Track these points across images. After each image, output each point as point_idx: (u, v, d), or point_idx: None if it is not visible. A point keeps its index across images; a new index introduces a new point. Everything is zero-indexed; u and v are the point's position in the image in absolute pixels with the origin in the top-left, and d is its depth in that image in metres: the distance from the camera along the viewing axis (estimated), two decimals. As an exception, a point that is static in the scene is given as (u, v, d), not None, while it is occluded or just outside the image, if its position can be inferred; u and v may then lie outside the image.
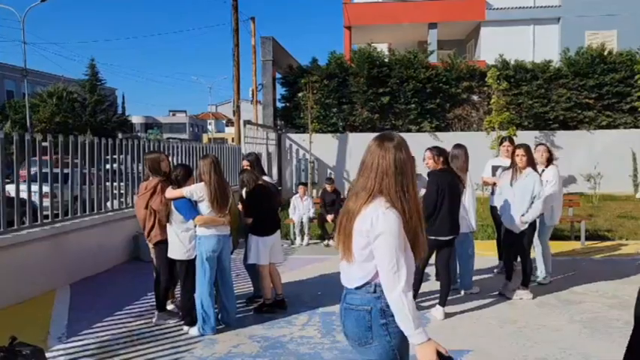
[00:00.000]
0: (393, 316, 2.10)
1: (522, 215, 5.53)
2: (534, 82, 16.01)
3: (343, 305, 2.26)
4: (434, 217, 5.04)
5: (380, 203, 2.12)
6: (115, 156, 7.73)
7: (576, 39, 19.05)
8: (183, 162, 9.38)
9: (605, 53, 16.02)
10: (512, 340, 4.55)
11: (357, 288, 2.19)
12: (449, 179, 5.15)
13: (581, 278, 6.45)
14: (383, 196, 2.13)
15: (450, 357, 2.09)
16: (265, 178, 5.83)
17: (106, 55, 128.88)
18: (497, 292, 5.90)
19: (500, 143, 7.04)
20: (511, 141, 6.80)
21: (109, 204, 7.76)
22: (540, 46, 20.66)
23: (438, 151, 5.33)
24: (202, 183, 4.72)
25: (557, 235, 8.72)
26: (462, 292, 5.90)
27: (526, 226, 5.63)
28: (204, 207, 4.70)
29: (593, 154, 15.14)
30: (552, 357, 4.18)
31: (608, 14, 20.10)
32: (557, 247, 7.78)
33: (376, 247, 2.08)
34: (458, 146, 5.92)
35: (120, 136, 31.01)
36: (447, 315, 5.19)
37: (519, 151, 5.65)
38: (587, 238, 8.65)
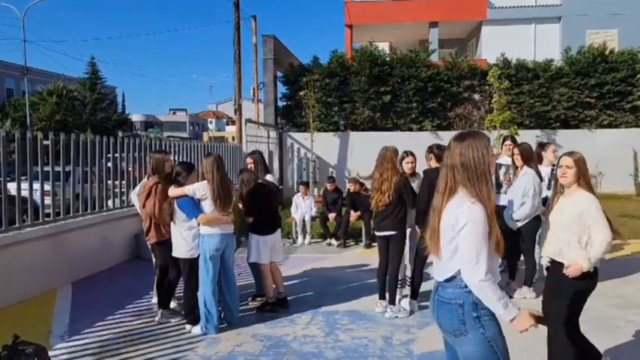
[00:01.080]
0: (485, 308, 2.22)
1: (513, 213, 5.60)
2: (536, 81, 15.97)
3: (435, 297, 2.38)
4: (423, 215, 5.06)
5: (463, 198, 2.23)
6: (116, 154, 7.72)
7: (577, 38, 19.02)
8: (184, 160, 9.37)
9: (607, 52, 15.97)
10: (516, 339, 4.52)
11: (446, 281, 2.30)
12: None
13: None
14: (464, 191, 2.25)
15: (542, 316, 2.28)
16: (269, 176, 5.82)
17: (106, 53, 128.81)
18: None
19: (503, 142, 7.03)
20: (513, 140, 6.79)
21: (110, 202, 7.75)
22: (541, 45, 20.62)
23: (429, 149, 5.35)
24: (205, 181, 4.70)
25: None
26: None
27: (520, 224, 5.64)
28: (208, 205, 4.68)
29: (594, 154, 15.05)
30: (556, 356, 4.16)
31: (609, 13, 20.06)
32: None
33: (460, 238, 2.19)
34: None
35: (120, 134, 31.01)
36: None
37: (515, 150, 5.74)
38: (589, 238, 8.61)
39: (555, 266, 3.53)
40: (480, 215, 2.17)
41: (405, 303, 5.28)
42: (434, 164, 5.26)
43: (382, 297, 5.32)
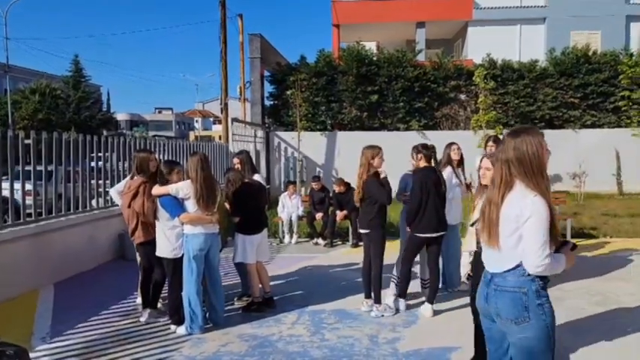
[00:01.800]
0: (546, 296, 2.39)
1: None
2: (521, 81, 16.13)
3: (491, 287, 2.46)
4: (420, 215, 5.07)
5: (524, 191, 2.34)
6: (100, 154, 7.63)
7: (562, 39, 19.26)
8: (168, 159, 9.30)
9: (590, 53, 16.19)
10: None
11: (507, 271, 2.40)
12: (433, 177, 5.17)
13: (568, 275, 6.50)
14: (522, 184, 2.35)
15: (567, 241, 2.51)
16: (256, 176, 5.79)
17: (91, 52, 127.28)
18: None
19: (486, 143, 7.06)
20: (496, 140, 6.82)
21: (93, 202, 7.66)
22: (527, 46, 20.85)
23: (416, 150, 5.37)
24: (189, 180, 4.67)
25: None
26: (449, 290, 5.92)
27: None
28: (191, 205, 4.65)
29: (578, 153, 15.29)
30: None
31: (592, 15, 20.34)
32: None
33: (525, 230, 2.30)
34: (453, 144, 6.06)
35: (105, 133, 30.66)
36: (436, 312, 5.20)
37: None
38: (572, 236, 8.73)
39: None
40: (543, 207, 2.28)
41: (390, 301, 5.29)
42: (423, 164, 5.28)
43: (368, 296, 5.33)
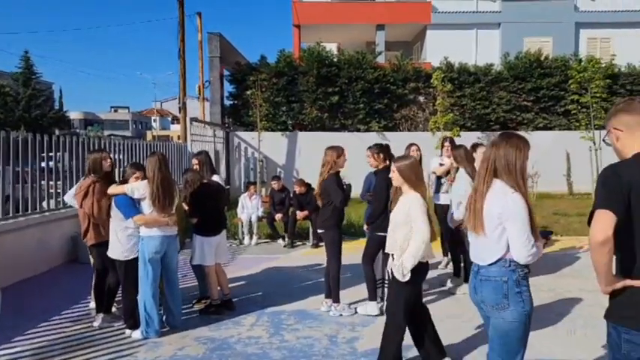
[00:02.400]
0: (526, 286, 2.68)
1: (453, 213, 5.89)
2: (477, 84, 16.56)
3: (478, 278, 2.75)
4: (383, 215, 5.12)
5: (504, 188, 2.63)
6: (51, 154, 7.36)
7: (515, 44, 19.86)
8: (125, 160, 9.08)
9: (542, 58, 16.78)
10: (456, 334, 4.66)
11: (491, 264, 2.68)
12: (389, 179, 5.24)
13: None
14: (503, 181, 2.64)
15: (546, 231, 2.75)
16: (215, 176, 5.72)
17: (42, 48, 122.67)
18: (442, 288, 6.06)
19: (442, 144, 7.20)
20: (452, 142, 6.97)
21: (44, 203, 7.38)
22: (482, 50, 21.39)
23: (377, 149, 5.43)
24: (145, 181, 4.57)
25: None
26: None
27: (457, 223, 5.84)
28: (147, 206, 4.54)
29: (531, 155, 15.74)
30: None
31: (544, 21, 21.09)
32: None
33: (509, 225, 2.59)
34: (412, 145, 6.11)
35: (57, 132, 29.59)
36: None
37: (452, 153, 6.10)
38: (525, 235, 9.02)
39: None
40: (523, 204, 2.59)
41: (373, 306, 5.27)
42: (374, 164, 5.38)
43: (328, 296, 5.35)
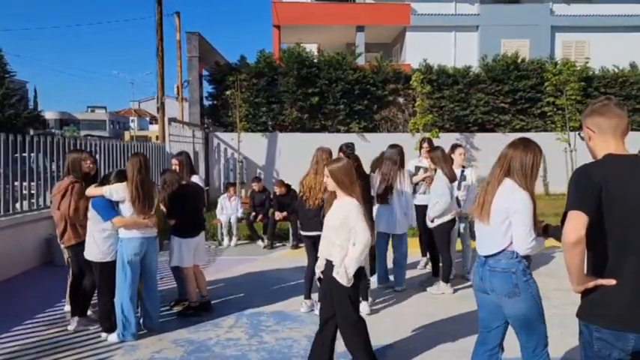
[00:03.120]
0: (530, 274, 2.96)
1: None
2: (455, 86, 16.72)
3: (486, 268, 3.00)
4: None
5: (513, 187, 2.90)
6: (24, 154, 7.20)
7: (493, 46, 20.15)
8: (103, 160, 8.94)
9: (519, 61, 17.04)
10: (433, 333, 4.71)
11: (496, 254, 2.94)
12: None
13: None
14: (514, 180, 2.91)
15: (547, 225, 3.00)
16: (195, 177, 5.68)
17: (16, 46, 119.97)
18: (421, 288, 6.11)
19: (421, 145, 7.27)
20: (430, 143, 7.04)
21: (17, 205, 7.22)
22: (461, 52, 21.64)
23: (349, 149, 5.54)
24: (124, 183, 4.50)
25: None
26: (399, 289, 6.03)
27: (435, 223, 5.91)
28: (126, 208, 4.48)
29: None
30: (470, 348, 4.35)
31: (521, 24, 21.44)
32: (475, 244, 8.16)
33: (515, 219, 2.86)
34: (393, 146, 6.12)
35: (31, 132, 28.98)
36: (373, 311, 5.30)
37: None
38: (502, 235, 9.15)
39: (329, 265, 3.64)
40: (529, 201, 2.86)
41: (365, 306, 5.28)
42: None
43: (308, 297, 5.35)
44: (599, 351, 2.22)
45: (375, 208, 5.98)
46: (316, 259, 5.29)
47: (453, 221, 6.02)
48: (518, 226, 2.84)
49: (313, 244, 5.27)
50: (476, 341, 3.31)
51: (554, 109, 15.48)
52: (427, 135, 14.00)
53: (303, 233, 5.41)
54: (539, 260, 7.52)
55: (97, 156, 8.85)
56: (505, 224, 2.91)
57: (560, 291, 5.90)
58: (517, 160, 2.94)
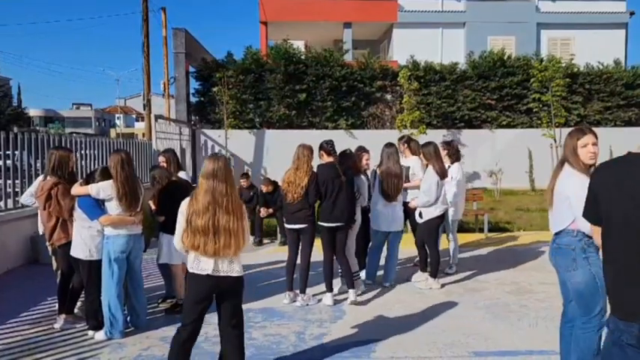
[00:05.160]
0: (592, 252, 3.18)
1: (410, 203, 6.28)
2: (442, 82, 16.81)
3: (553, 246, 3.40)
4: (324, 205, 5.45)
5: (569, 171, 3.27)
6: (8, 152, 7.09)
7: (480, 43, 20.26)
8: (89, 158, 8.85)
9: (505, 58, 17.16)
10: (422, 328, 4.73)
11: (560, 232, 3.31)
12: (332, 172, 5.42)
13: (485, 267, 6.87)
14: (568, 165, 3.30)
15: None
16: (182, 173, 5.64)
17: (1, 42, 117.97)
18: (409, 284, 6.13)
19: (400, 141, 7.08)
20: (407, 141, 6.94)
21: (1, 203, 7.11)
22: (448, 49, 21.71)
23: (330, 147, 5.57)
24: (110, 180, 4.45)
25: (464, 228, 9.24)
26: (387, 285, 6.06)
27: (424, 218, 5.95)
28: (113, 206, 4.43)
29: (495, 152, 16.19)
30: (458, 342, 4.41)
31: (507, 21, 21.58)
32: (463, 238, 8.24)
33: (573, 200, 3.13)
34: (389, 145, 6.13)
35: (15, 129, 28.58)
36: (360, 304, 5.33)
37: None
38: (489, 230, 9.24)
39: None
40: (584, 182, 2.85)
41: (352, 294, 5.43)
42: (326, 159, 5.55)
43: (290, 289, 5.48)
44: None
45: (381, 205, 5.97)
46: (297, 252, 5.45)
47: (442, 217, 6.04)
48: (577, 206, 2.92)
49: (297, 237, 5.47)
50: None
51: (540, 106, 15.62)
52: (414, 131, 14.07)
53: (287, 226, 5.57)
54: (526, 255, 7.59)
55: (83, 153, 8.76)
56: (565, 205, 3.23)
57: (546, 285, 5.97)
58: (565, 147, 3.36)
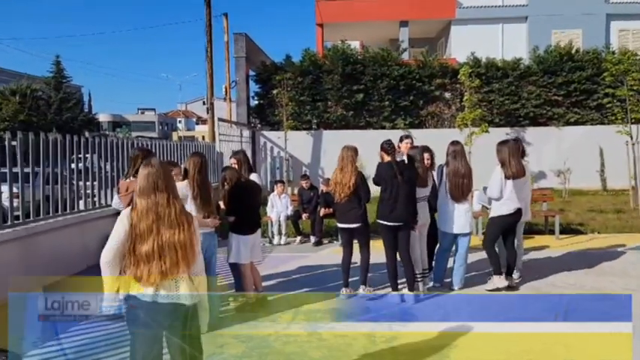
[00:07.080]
0: None
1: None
2: (505, 79, 16.28)
3: None
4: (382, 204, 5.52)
5: None
6: (87, 155, 7.49)
7: (543, 38, 19.47)
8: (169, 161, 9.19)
9: (573, 52, 16.40)
10: (494, 332, 4.59)
11: None
12: (390, 171, 5.40)
13: (559, 271, 6.57)
14: None
15: None
16: (253, 175, 5.74)
17: (71, 51, 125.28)
18: (477, 287, 5.98)
19: (401, 140, 6.70)
20: (410, 139, 6.60)
21: (82, 203, 7.51)
22: (509, 45, 21.01)
23: (392, 146, 5.59)
24: (186, 181, 4.60)
25: (533, 230, 8.89)
26: (455, 289, 5.91)
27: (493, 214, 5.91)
28: (187, 206, 4.57)
29: (562, 150, 15.50)
30: (536, 349, 4.24)
31: (573, 14, 20.62)
32: (533, 241, 7.95)
33: None
34: (455, 143, 6.01)
35: (87, 134, 30.16)
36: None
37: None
38: (560, 232, 8.83)
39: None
40: None
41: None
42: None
43: (346, 285, 5.61)
44: None
45: (448, 205, 5.86)
46: (351, 251, 5.58)
47: (513, 215, 5.82)
48: None
49: (351, 236, 5.62)
50: None
51: (614, 101, 14.77)
52: (476, 130, 13.68)
53: (339, 225, 5.75)
54: (604, 258, 7.20)
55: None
56: None
57: (629, 291, 5.63)
58: None
